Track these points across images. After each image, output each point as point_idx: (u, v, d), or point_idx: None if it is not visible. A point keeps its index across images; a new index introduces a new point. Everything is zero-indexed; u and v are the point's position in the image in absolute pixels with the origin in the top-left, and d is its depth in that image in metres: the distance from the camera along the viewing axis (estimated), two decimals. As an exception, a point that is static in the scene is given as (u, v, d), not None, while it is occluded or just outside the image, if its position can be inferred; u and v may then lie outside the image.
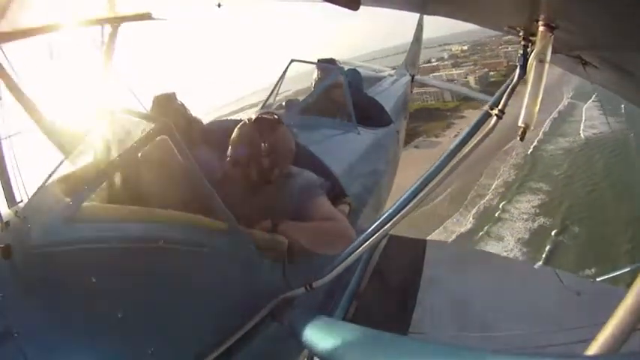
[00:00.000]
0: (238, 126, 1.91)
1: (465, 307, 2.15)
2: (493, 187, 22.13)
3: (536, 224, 17.97)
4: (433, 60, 67.64)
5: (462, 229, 18.37)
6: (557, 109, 33.43)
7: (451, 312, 2.13)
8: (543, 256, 15.74)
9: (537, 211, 18.51)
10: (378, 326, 1.08)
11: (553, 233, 17.10)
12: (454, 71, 57.99)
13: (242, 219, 1.54)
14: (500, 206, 20.33)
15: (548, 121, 31.02)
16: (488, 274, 2.53)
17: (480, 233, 18.45)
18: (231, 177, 1.86)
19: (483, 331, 1.94)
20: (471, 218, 19.47)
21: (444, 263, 2.57)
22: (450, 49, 73.76)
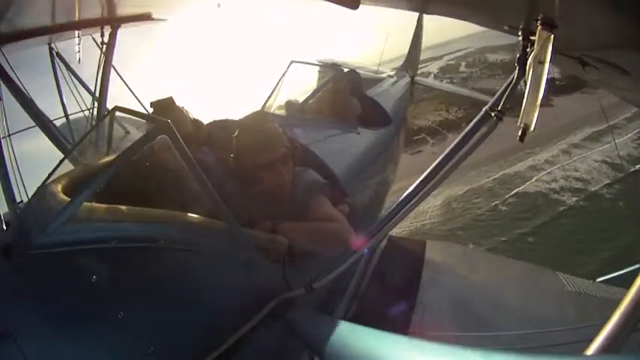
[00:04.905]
0: (259, 126, 1.83)
1: (464, 307, 2.15)
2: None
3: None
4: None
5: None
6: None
7: (451, 312, 2.13)
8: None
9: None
10: (378, 326, 1.07)
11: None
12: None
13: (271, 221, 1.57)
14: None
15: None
16: (488, 274, 2.53)
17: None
18: (266, 181, 1.77)
19: (483, 330, 1.93)
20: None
21: (444, 263, 2.58)
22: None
